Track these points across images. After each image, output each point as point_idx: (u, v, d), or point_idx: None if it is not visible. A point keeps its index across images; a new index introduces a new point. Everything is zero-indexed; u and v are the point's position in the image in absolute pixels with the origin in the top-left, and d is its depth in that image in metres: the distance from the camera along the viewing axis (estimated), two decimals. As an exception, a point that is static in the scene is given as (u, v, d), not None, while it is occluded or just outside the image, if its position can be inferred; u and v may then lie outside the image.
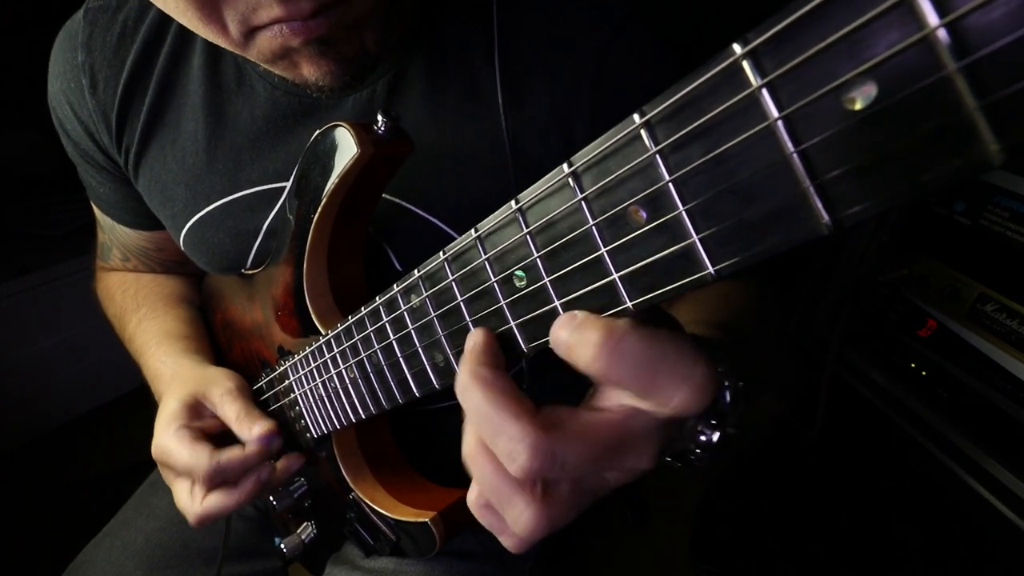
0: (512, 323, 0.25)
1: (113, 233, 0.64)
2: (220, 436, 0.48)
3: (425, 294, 0.30)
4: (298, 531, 0.56)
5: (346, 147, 0.38)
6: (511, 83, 0.44)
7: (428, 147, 0.45)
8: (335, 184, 0.39)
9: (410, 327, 0.31)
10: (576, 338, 0.21)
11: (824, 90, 0.13)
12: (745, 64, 0.14)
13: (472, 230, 0.26)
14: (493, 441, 0.23)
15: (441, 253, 0.28)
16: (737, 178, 0.15)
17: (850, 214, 0.14)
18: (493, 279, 0.25)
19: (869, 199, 0.13)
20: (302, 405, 0.48)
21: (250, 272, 0.53)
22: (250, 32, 0.33)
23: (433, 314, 0.29)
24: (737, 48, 0.14)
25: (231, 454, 0.45)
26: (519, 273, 0.24)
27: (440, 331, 0.29)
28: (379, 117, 0.37)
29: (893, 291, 0.70)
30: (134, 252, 0.65)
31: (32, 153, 1.49)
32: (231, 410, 0.47)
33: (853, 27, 0.12)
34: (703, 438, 0.26)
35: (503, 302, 0.25)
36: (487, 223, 0.25)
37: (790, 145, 0.14)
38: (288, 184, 0.49)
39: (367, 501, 0.46)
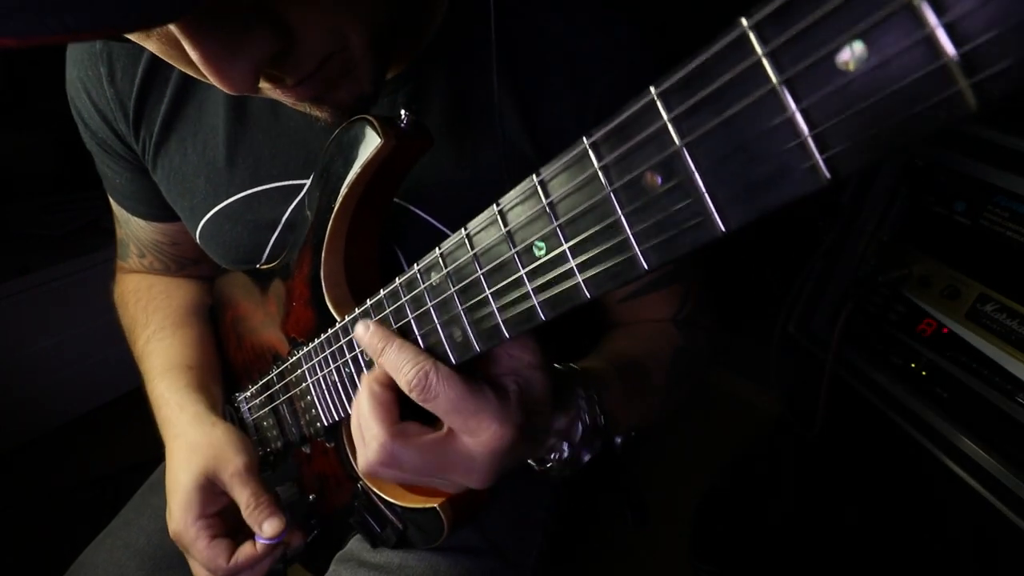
0: (530, 288, 0.26)
1: (128, 227, 0.64)
2: (234, 512, 0.50)
3: (445, 270, 0.31)
4: None
5: (369, 139, 0.39)
6: (524, 108, 0.46)
7: (446, 159, 0.47)
8: (357, 173, 0.41)
9: (429, 304, 0.33)
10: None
11: (821, 54, 0.15)
12: (751, 35, 0.16)
13: (493, 205, 0.27)
14: (362, 432, 0.35)
15: (462, 230, 0.29)
16: (744, 138, 0.17)
17: (847, 165, 0.15)
18: (513, 250, 0.26)
19: (864, 151, 0.15)
20: (314, 393, 0.49)
21: (264, 267, 0.55)
22: None
23: (452, 289, 0.31)
24: (744, 21, 0.16)
25: (246, 553, 0.49)
26: (539, 243, 0.25)
27: (459, 305, 0.31)
28: (402, 112, 0.39)
29: (893, 291, 0.70)
30: (148, 247, 0.65)
31: (32, 153, 1.50)
32: (242, 496, 0.49)
33: (847, -2, 0.14)
34: (554, 454, 0.37)
35: (522, 271, 0.26)
36: (507, 199, 0.26)
37: (792, 105, 0.16)
38: (308, 181, 0.50)
39: (375, 490, 0.47)
